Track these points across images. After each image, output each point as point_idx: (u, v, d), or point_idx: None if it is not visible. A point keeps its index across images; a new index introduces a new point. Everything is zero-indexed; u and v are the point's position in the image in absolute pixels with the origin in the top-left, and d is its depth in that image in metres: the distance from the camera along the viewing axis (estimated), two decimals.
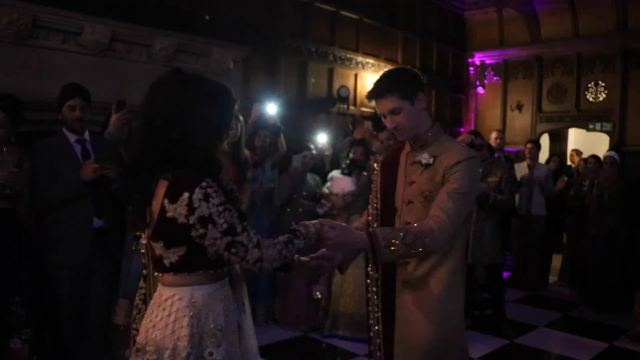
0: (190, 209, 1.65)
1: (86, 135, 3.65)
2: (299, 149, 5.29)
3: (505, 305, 5.51)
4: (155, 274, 1.87)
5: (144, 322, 1.81)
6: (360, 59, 8.76)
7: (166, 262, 1.76)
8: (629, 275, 5.55)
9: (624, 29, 9.45)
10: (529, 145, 7.25)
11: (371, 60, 8.92)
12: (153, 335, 1.72)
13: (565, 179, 7.37)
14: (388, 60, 9.28)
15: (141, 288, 2.09)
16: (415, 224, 2.09)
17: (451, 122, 10.78)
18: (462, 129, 10.99)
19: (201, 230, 1.67)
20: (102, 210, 3.58)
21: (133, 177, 1.81)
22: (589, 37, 9.83)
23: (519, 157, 8.80)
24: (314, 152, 5.38)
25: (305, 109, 7.80)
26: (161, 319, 1.73)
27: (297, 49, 7.82)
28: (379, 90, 2.24)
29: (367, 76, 8.87)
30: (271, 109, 5.69)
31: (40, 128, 4.39)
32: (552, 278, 7.45)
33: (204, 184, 1.67)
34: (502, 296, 5.42)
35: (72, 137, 3.58)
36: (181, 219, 1.66)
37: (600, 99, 9.86)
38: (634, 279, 5.37)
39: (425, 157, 2.23)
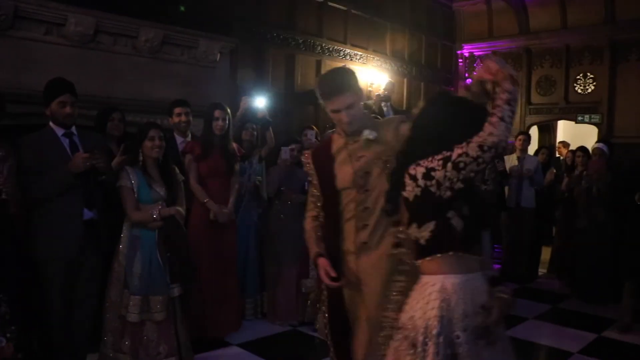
0: (413, 179, 1.96)
1: (73, 128, 3.61)
2: (287, 142, 5.25)
3: None
4: (417, 262, 2.04)
5: (407, 305, 2.00)
6: (348, 50, 8.69)
7: (422, 241, 1.96)
8: (617, 266, 5.56)
9: (612, 21, 9.45)
10: (520, 137, 7.24)
11: (359, 52, 8.86)
12: (413, 314, 1.93)
13: (554, 171, 7.38)
14: (376, 52, 9.22)
15: (400, 281, 2.33)
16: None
17: None
18: None
19: (432, 182, 1.91)
20: (92, 201, 3.56)
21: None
22: (577, 29, 9.84)
23: (507, 149, 8.80)
24: (303, 144, 5.33)
25: (293, 101, 7.74)
26: (417, 302, 1.94)
27: (285, 41, 7.74)
28: (340, 88, 2.48)
29: (356, 68, 8.79)
30: (259, 102, 5.63)
31: (21, 122, 4.31)
32: (542, 270, 7.48)
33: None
34: None
35: (59, 131, 3.55)
36: (417, 190, 1.93)
37: (589, 90, 9.88)
38: (622, 270, 5.37)
39: (367, 132, 2.51)
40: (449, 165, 1.87)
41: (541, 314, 5.81)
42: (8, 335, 3.10)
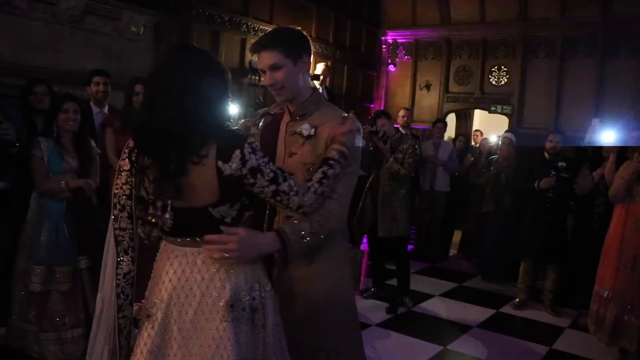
0: (243, 161, 1.76)
1: None
2: None
3: None
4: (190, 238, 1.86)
5: (212, 283, 1.84)
6: None
7: (228, 219, 1.84)
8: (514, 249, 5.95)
9: (525, 19, 9.95)
10: (438, 125, 7.54)
11: None
12: (239, 284, 1.85)
13: (472, 158, 7.76)
14: None
15: (130, 272, 1.97)
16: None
17: (362, 98, 10.98)
18: (372, 105, 11.25)
19: (251, 180, 1.80)
20: (3, 172, 3.49)
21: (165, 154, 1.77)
22: (494, 23, 10.29)
23: (425, 134, 9.16)
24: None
25: None
26: (241, 272, 1.89)
27: (210, 18, 7.68)
28: (264, 42, 2.13)
29: None
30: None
31: None
32: (453, 251, 7.88)
33: (248, 140, 1.82)
34: (408, 268, 5.64)
35: None
36: (237, 173, 1.77)
37: (502, 83, 10.38)
38: (518, 251, 5.77)
39: (306, 128, 2.14)
40: (273, 187, 1.84)
41: (447, 291, 6.16)
42: None
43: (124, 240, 1.95)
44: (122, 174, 1.96)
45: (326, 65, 8.02)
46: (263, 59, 2.12)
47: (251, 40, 8.20)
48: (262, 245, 1.93)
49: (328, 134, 2.10)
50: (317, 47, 9.61)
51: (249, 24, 8.28)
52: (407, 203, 5.41)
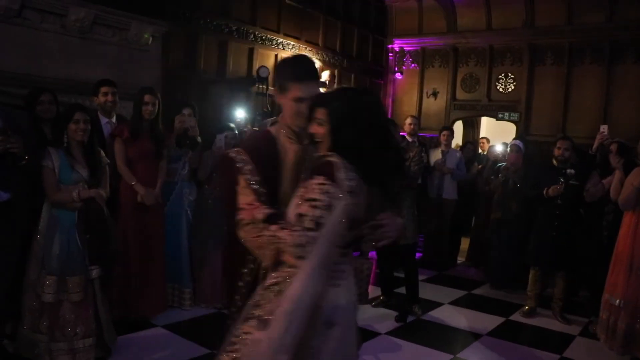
0: None
1: None
2: (221, 129, 5.30)
3: None
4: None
5: None
6: (281, 40, 8.76)
7: None
8: (523, 256, 5.92)
9: (531, 25, 9.96)
10: (445, 133, 7.53)
11: (292, 42, 8.96)
12: None
13: (479, 166, 7.73)
14: (309, 42, 9.34)
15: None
16: None
17: None
18: None
19: None
20: (6, 183, 3.47)
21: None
22: (500, 30, 10.30)
23: (433, 142, 9.14)
24: (236, 131, 5.39)
25: (225, 88, 7.76)
26: None
27: (218, 27, 7.73)
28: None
29: None
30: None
31: None
32: (461, 259, 7.86)
33: None
34: (417, 276, 5.63)
35: None
36: None
37: (509, 90, 10.37)
38: (527, 258, 5.74)
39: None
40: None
41: (456, 299, 6.13)
42: None
43: None
44: None
45: (332, 74, 8.07)
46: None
47: (259, 50, 8.28)
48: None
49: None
50: (324, 55, 9.65)
51: (257, 33, 8.32)
52: (414, 211, 5.41)
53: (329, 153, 1.98)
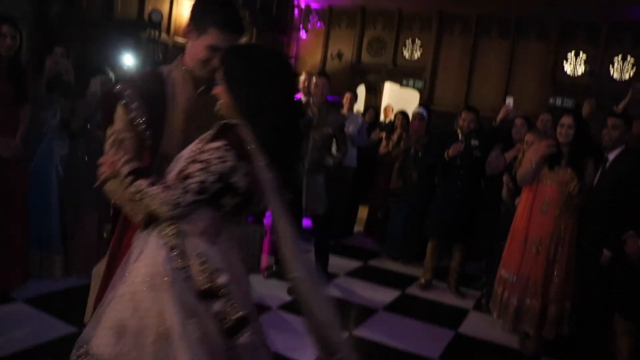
0: None
1: None
2: (94, 71, 4.65)
3: None
4: None
5: None
6: None
7: None
8: (422, 227, 5.80)
9: None
10: (347, 96, 7.23)
11: None
12: None
13: (384, 134, 7.48)
14: None
15: None
16: None
17: None
18: None
19: None
20: None
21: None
22: None
23: (335, 105, 8.83)
24: (112, 77, 4.76)
25: (111, 31, 6.93)
26: None
27: None
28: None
29: (184, 3, 8.18)
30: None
31: None
32: (358, 228, 7.66)
33: None
34: (329, 245, 5.40)
35: None
36: None
37: (416, 57, 10.24)
38: (425, 229, 5.62)
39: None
40: None
41: (352, 270, 5.92)
42: None
43: None
44: None
45: None
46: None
47: None
48: None
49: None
50: None
51: None
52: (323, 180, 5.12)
53: (234, 118, 1.78)
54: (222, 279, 1.73)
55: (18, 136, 4.03)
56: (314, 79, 5.25)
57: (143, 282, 1.70)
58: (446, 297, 5.39)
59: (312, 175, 4.95)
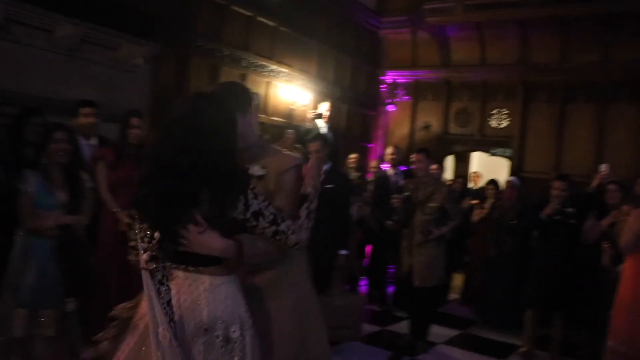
0: (246, 206, 1.96)
1: None
2: None
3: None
4: (192, 268, 2.02)
5: (196, 306, 1.97)
6: (274, 67, 8.61)
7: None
8: (520, 295, 5.73)
9: (525, 62, 9.94)
10: (434, 167, 7.33)
11: (285, 70, 8.81)
12: (219, 314, 1.96)
13: (473, 201, 7.53)
14: (302, 70, 9.20)
15: (171, 299, 1.99)
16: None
17: (361, 137, 10.86)
18: (370, 145, 11.12)
19: (254, 223, 2.00)
20: None
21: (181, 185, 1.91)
22: (494, 66, 10.24)
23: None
24: None
25: None
26: (221, 301, 1.99)
27: (210, 52, 7.57)
28: None
29: (280, 85, 8.76)
30: None
31: None
32: (454, 296, 7.62)
33: (250, 187, 1.99)
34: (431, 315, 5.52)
35: None
36: (240, 216, 1.97)
37: (503, 125, 10.29)
38: (524, 299, 5.56)
39: (256, 170, 2.32)
40: (273, 228, 2.02)
41: (450, 338, 5.90)
42: None
43: (158, 272, 1.97)
44: None
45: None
46: None
47: (251, 76, 8.15)
48: (215, 245, 2.00)
49: (276, 172, 2.31)
50: (317, 84, 9.52)
51: (250, 59, 8.16)
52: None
53: None
54: None
55: None
56: (413, 156, 5.49)
57: None
58: None
59: (423, 247, 5.08)
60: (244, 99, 2.36)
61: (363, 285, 7.13)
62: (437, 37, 10.63)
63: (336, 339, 4.54)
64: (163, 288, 1.95)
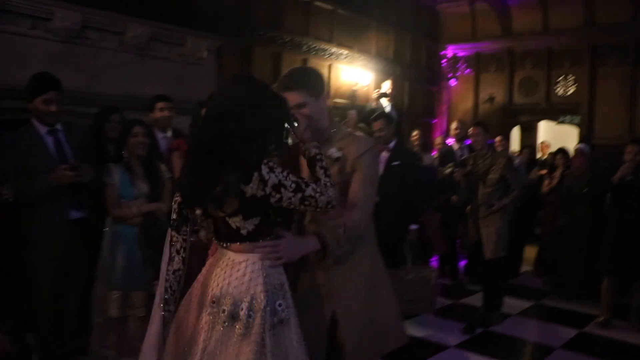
0: (263, 182, 1.95)
1: (58, 125, 3.58)
2: None
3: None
4: (223, 243, 2.13)
5: (215, 279, 2.08)
6: (334, 49, 8.72)
7: (243, 232, 2.04)
8: (596, 263, 5.64)
9: (592, 25, 9.59)
10: (498, 139, 7.29)
11: (345, 51, 8.90)
12: (230, 290, 2.02)
13: (542, 171, 7.42)
14: (362, 51, 9.26)
15: (179, 270, 2.18)
16: (343, 217, 2.27)
17: (424, 113, 10.83)
18: (434, 121, 11.07)
19: (277, 196, 1.98)
20: (80, 202, 3.56)
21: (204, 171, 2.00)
22: (558, 31, 9.96)
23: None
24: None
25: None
26: (236, 278, 2.04)
27: (271, 39, 7.76)
28: (289, 84, 2.38)
29: (341, 67, 8.86)
30: None
31: (7, 116, 4.30)
32: (526, 268, 7.55)
33: (264, 161, 1.97)
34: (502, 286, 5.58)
35: (42, 129, 3.51)
36: (259, 193, 1.95)
37: (570, 92, 10.00)
38: (600, 267, 5.47)
39: (334, 152, 2.38)
40: (299, 196, 2.01)
41: (524, 310, 5.89)
42: (3, 329, 3.10)
43: (177, 242, 2.16)
44: None
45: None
46: (290, 98, 2.31)
47: (312, 60, 8.27)
48: (305, 246, 2.20)
49: (354, 156, 2.36)
50: (377, 64, 9.56)
51: (310, 43, 8.31)
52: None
53: None
54: None
55: None
56: (470, 129, 5.50)
57: None
58: (629, 336, 5.15)
59: (488, 219, 5.12)
60: (317, 85, 2.41)
61: (434, 260, 7.18)
62: (496, 6, 10.41)
63: (410, 312, 4.63)
64: (177, 257, 2.14)
